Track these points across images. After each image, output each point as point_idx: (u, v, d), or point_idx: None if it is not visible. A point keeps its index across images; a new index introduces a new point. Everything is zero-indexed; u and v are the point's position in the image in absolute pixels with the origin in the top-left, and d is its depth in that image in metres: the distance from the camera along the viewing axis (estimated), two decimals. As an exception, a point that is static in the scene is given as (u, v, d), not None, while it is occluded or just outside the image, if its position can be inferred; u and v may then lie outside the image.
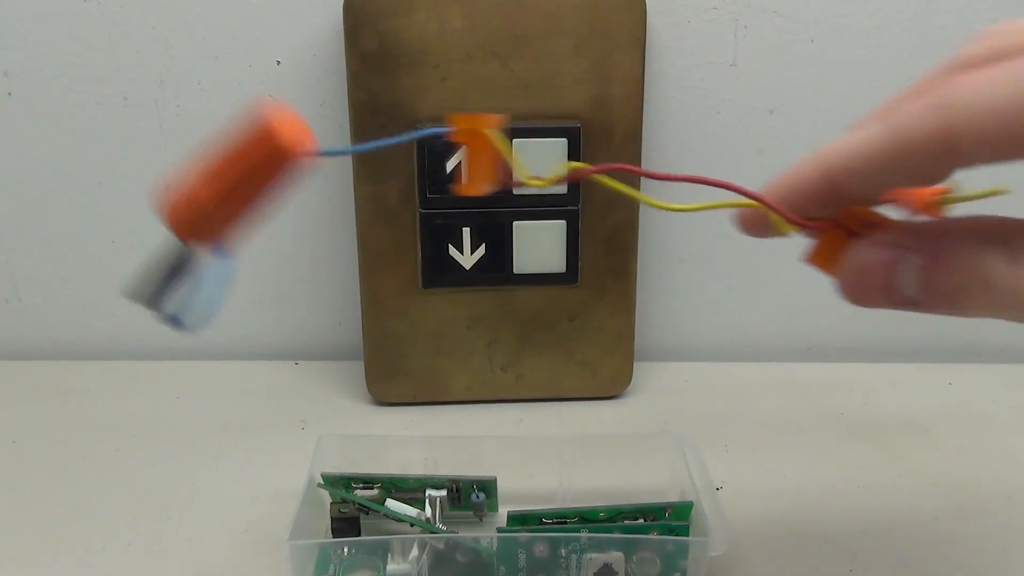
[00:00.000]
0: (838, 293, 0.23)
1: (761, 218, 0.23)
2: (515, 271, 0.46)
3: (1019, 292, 0.19)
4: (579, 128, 0.44)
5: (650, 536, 0.34)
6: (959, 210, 0.22)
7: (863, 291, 0.22)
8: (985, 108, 0.18)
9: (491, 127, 0.22)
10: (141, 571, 0.35)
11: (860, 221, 0.23)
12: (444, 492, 0.36)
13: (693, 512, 0.34)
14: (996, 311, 0.20)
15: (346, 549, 0.34)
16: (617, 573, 0.33)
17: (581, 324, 0.47)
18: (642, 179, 0.46)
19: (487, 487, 0.36)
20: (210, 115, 0.48)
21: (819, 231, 0.23)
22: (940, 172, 0.20)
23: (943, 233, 0.21)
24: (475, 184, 0.22)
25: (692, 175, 0.23)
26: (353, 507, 0.35)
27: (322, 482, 0.36)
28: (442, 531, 0.34)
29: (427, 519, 0.35)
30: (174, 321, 0.22)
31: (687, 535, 0.34)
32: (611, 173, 0.23)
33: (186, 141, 0.49)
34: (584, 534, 0.33)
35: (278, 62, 0.47)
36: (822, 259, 0.24)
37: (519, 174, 0.22)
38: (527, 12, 0.42)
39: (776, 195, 0.23)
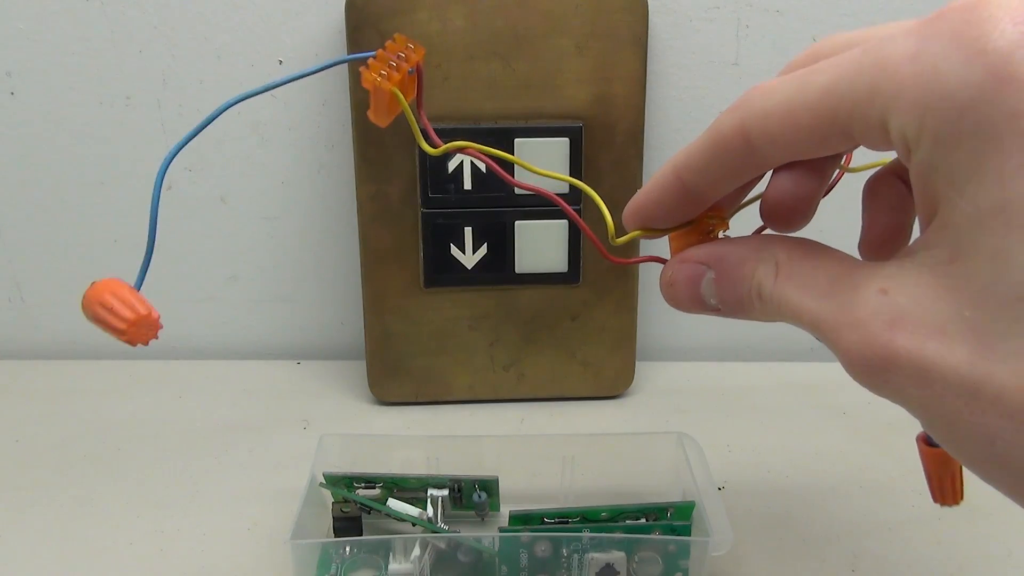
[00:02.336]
0: (666, 299, 0.26)
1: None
2: (517, 271, 0.46)
3: (781, 301, 0.21)
4: (581, 128, 0.44)
5: (652, 536, 0.34)
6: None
7: (676, 300, 0.25)
8: (766, 109, 0.21)
9: (393, 87, 0.24)
10: (143, 570, 0.35)
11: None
12: (446, 491, 0.36)
13: (695, 512, 0.34)
14: (771, 317, 0.22)
15: (348, 548, 0.34)
16: (619, 573, 0.33)
17: (583, 324, 0.47)
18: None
19: (489, 487, 0.36)
20: (212, 115, 0.48)
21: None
22: (752, 168, 0.22)
23: (735, 248, 0.23)
24: (377, 118, 0.25)
25: (544, 192, 0.27)
26: (355, 506, 0.35)
27: (324, 481, 0.36)
28: (444, 530, 0.34)
29: (429, 519, 0.35)
30: None
31: (689, 535, 0.34)
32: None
33: (188, 141, 0.49)
34: (586, 534, 0.33)
35: (280, 61, 0.47)
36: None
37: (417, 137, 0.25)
38: (529, 12, 0.42)
39: (641, 198, 0.25)
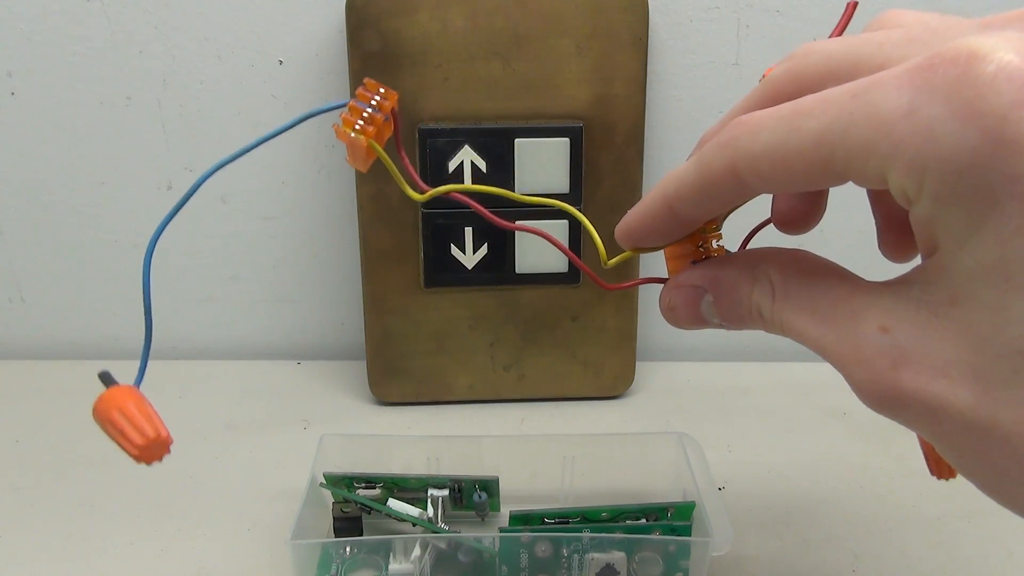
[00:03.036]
0: (667, 320, 0.26)
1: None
2: (517, 271, 0.46)
3: (783, 324, 0.22)
4: (581, 128, 0.44)
5: (652, 536, 0.34)
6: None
7: (679, 323, 0.26)
8: (756, 152, 0.20)
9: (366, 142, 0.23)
10: (143, 570, 0.35)
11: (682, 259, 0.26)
12: (446, 492, 0.36)
13: (695, 512, 0.34)
14: (776, 334, 0.23)
15: (348, 548, 0.34)
16: (619, 573, 0.33)
17: (583, 324, 0.47)
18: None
19: (489, 487, 0.36)
20: (213, 115, 0.48)
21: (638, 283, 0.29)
22: (744, 197, 0.22)
23: (729, 270, 0.24)
24: (355, 165, 0.24)
25: (534, 228, 0.27)
26: (355, 507, 0.35)
27: (324, 482, 0.36)
28: (444, 531, 0.34)
29: (429, 519, 0.35)
30: None
31: (689, 535, 0.34)
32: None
33: (189, 140, 0.49)
34: (586, 534, 0.33)
35: (280, 62, 0.47)
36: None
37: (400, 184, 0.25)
38: (529, 12, 0.42)
39: (632, 222, 0.25)
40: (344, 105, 0.23)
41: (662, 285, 0.26)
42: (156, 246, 0.23)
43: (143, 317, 0.23)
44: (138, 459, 0.22)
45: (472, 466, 0.37)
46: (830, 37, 0.26)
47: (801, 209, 0.26)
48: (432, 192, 0.25)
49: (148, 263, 0.23)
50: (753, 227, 0.29)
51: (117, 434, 0.22)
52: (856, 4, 0.26)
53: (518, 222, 0.27)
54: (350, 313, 0.53)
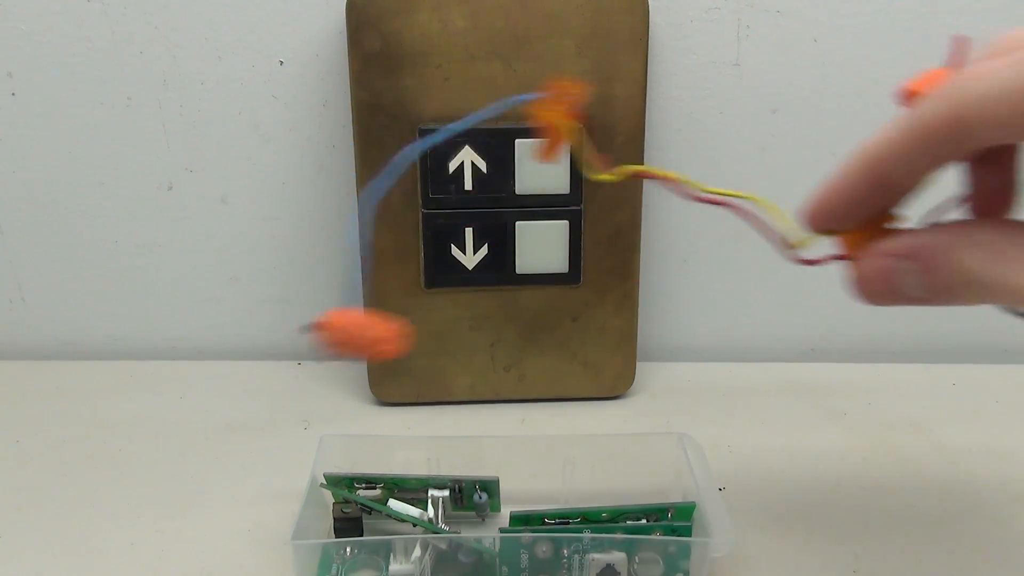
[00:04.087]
0: (857, 297, 0.25)
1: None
2: (517, 271, 0.46)
3: (1007, 287, 0.22)
4: (582, 128, 0.44)
5: (653, 537, 0.34)
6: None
7: (871, 296, 0.25)
8: (991, 92, 0.20)
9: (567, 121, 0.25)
10: (143, 571, 0.35)
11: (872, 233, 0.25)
12: (447, 492, 0.36)
13: (696, 513, 0.34)
14: (992, 301, 0.22)
15: (349, 549, 0.34)
16: (619, 574, 0.33)
17: (584, 324, 0.47)
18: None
19: (490, 487, 0.36)
20: (213, 115, 0.48)
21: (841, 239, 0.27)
22: (961, 152, 0.22)
23: (939, 235, 0.23)
24: (548, 155, 0.26)
25: (722, 200, 0.27)
26: (356, 507, 0.35)
27: (325, 482, 0.36)
28: (444, 531, 0.34)
29: (430, 519, 0.35)
30: None
31: (690, 536, 0.34)
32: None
33: (189, 141, 0.49)
34: (587, 534, 0.33)
35: (281, 62, 0.47)
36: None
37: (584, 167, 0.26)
38: (530, 12, 0.42)
39: (828, 196, 0.25)
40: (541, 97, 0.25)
41: (846, 261, 0.26)
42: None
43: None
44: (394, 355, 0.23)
45: (472, 466, 0.37)
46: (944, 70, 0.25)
47: (1001, 191, 0.25)
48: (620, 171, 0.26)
49: None
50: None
51: (365, 344, 0.23)
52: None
53: (704, 194, 0.27)
54: (350, 313, 0.52)
